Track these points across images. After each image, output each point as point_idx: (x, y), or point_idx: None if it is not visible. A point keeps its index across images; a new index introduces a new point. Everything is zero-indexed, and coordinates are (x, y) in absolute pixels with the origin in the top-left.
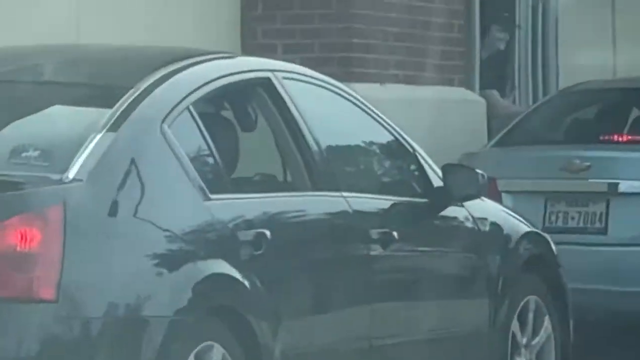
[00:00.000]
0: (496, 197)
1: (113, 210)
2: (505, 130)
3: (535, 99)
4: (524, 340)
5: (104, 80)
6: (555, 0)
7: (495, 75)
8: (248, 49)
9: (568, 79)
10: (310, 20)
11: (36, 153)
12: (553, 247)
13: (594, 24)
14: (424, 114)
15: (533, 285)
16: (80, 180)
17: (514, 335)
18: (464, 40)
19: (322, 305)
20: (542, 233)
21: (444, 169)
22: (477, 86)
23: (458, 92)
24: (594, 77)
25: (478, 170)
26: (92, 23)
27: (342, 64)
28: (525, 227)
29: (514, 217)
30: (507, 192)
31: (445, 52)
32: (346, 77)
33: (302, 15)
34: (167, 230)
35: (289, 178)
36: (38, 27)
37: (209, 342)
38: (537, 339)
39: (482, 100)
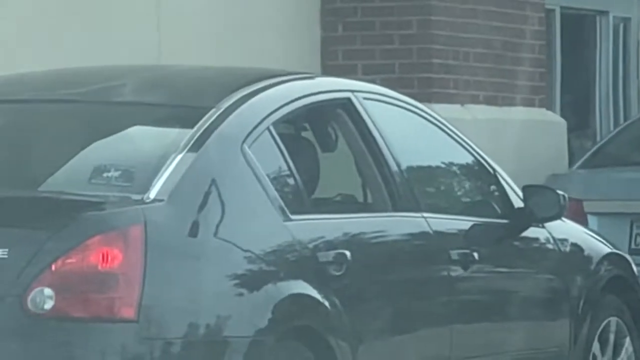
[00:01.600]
0: (582, 218)
1: (194, 231)
2: (590, 152)
3: (616, 121)
4: (605, 356)
5: (185, 100)
6: (637, 20)
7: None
8: (328, 70)
9: None
10: (390, 41)
11: (117, 173)
12: (634, 268)
13: None
14: (504, 135)
15: (614, 306)
16: (162, 200)
17: (594, 357)
18: (544, 61)
19: (403, 327)
20: (623, 254)
21: (525, 190)
22: (557, 107)
23: (539, 113)
24: None
25: (559, 192)
26: (174, 45)
27: (422, 84)
28: (606, 248)
29: (594, 238)
30: (593, 213)
31: (526, 73)
32: (426, 97)
33: (382, 36)
34: (247, 250)
35: (369, 199)
36: (122, 49)
37: None
38: (615, 354)
39: (563, 121)
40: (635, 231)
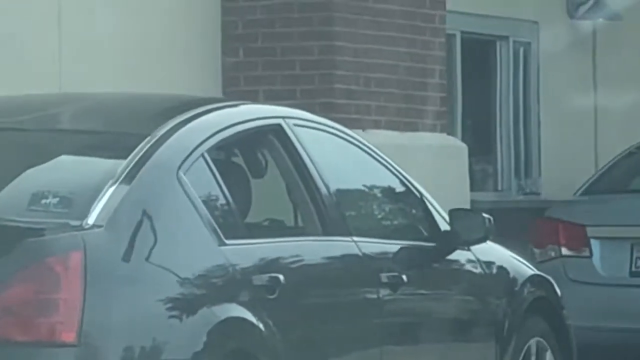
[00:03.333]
0: (585, 243)
1: (132, 256)
2: (592, 179)
3: (517, 145)
4: None
5: (121, 127)
6: (537, 47)
7: (477, 121)
8: (230, 97)
9: (548, 126)
10: (292, 66)
11: (55, 200)
12: (557, 289)
13: (574, 69)
14: (407, 160)
15: (538, 327)
16: (100, 226)
17: None
18: (446, 86)
19: (335, 349)
20: (545, 276)
21: (451, 213)
22: (459, 132)
23: (441, 138)
24: (574, 123)
25: (484, 215)
26: (75, 75)
27: (324, 110)
28: (529, 270)
29: (518, 260)
30: (596, 238)
31: (428, 98)
32: None
33: (283, 61)
34: (183, 275)
35: (300, 223)
36: (22, 80)
37: None
38: None
39: (464, 146)
40: (635, 255)
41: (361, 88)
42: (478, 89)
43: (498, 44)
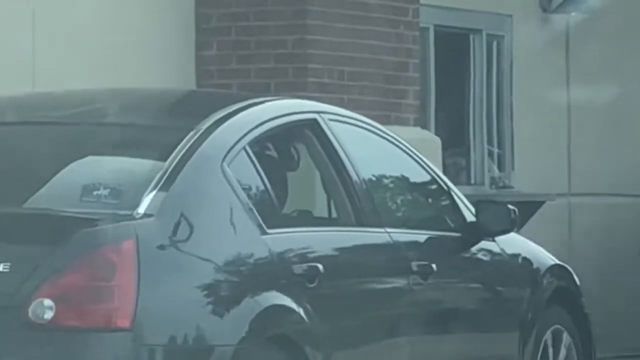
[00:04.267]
0: None
1: (180, 244)
2: None
3: (490, 138)
4: None
5: (166, 121)
6: (510, 41)
7: (450, 115)
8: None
9: (521, 120)
10: (266, 60)
11: (106, 191)
12: (576, 278)
13: (547, 63)
14: None
15: (558, 315)
16: (150, 215)
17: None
18: (419, 80)
19: (369, 334)
20: (565, 265)
21: (477, 205)
22: (432, 125)
23: (414, 132)
24: (547, 117)
25: (510, 206)
26: (48, 67)
27: None
28: (550, 260)
29: (540, 251)
30: None
31: (401, 91)
32: None
33: (257, 55)
34: (229, 262)
35: (335, 214)
36: None
37: None
38: None
39: (438, 139)
40: None
41: (335, 81)
42: (452, 83)
43: (472, 37)
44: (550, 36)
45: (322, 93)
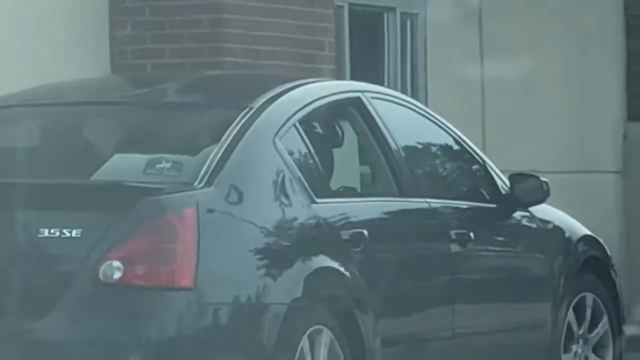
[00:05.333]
0: None
1: (235, 212)
2: None
3: None
4: (580, 332)
5: (221, 100)
6: (424, 18)
7: None
8: (117, 70)
9: (436, 97)
10: (180, 40)
11: (169, 164)
12: (606, 249)
13: (461, 40)
14: None
15: (590, 283)
16: (210, 185)
17: (569, 326)
18: (334, 58)
19: (411, 295)
20: (596, 236)
21: (511, 177)
22: None
23: None
24: (461, 94)
25: (542, 178)
26: None
27: None
28: (583, 230)
29: (572, 221)
30: None
31: (317, 70)
32: None
33: (172, 35)
34: (282, 228)
35: (378, 185)
36: None
37: (319, 326)
38: (594, 333)
39: None
40: None
41: (251, 61)
42: (367, 61)
43: (386, 15)
44: (462, 13)
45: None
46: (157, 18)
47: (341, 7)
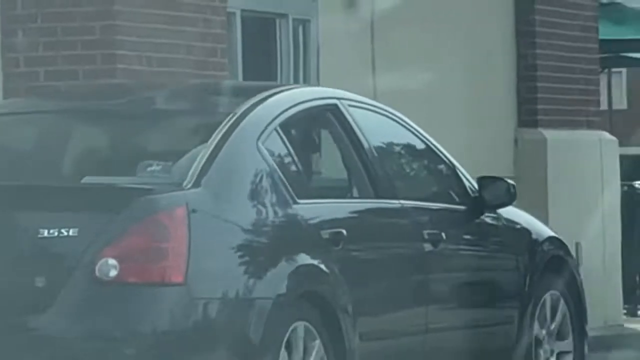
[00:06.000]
0: None
1: (223, 211)
2: None
3: None
4: (546, 325)
5: (206, 107)
6: (316, 28)
7: None
8: (10, 78)
9: None
10: (73, 47)
11: (159, 167)
12: (570, 249)
13: (354, 51)
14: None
15: (554, 281)
16: (198, 186)
17: (537, 322)
18: (227, 65)
19: (388, 292)
20: (560, 237)
21: (480, 180)
22: None
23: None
24: None
25: (509, 181)
26: None
27: None
28: (548, 232)
29: (537, 223)
30: None
31: (209, 77)
32: None
33: (64, 42)
34: (265, 227)
35: (354, 187)
36: None
37: (301, 321)
38: (554, 324)
39: None
40: None
41: (144, 68)
42: (259, 68)
43: (278, 22)
44: (355, 20)
45: (131, 80)
46: (49, 25)
47: (233, 13)
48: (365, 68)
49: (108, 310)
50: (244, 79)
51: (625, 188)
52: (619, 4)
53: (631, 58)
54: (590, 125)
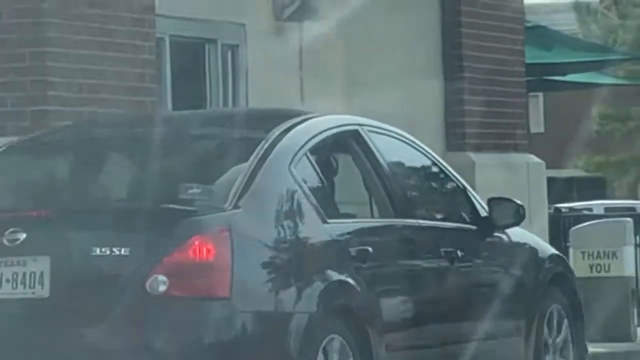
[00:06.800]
0: None
1: (262, 231)
2: None
3: None
4: (551, 338)
5: (240, 133)
6: (245, 50)
7: None
8: None
9: None
10: (4, 73)
11: (199, 190)
12: (571, 266)
13: (282, 75)
14: None
15: (556, 296)
16: (238, 208)
17: (543, 335)
18: (156, 90)
19: (410, 305)
20: (561, 255)
21: (489, 201)
22: None
23: None
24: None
25: (518, 202)
26: None
27: (36, 117)
28: (551, 250)
29: (541, 241)
30: None
31: (139, 103)
32: (40, 130)
33: None
34: (299, 245)
35: (376, 208)
36: None
37: (334, 335)
38: (560, 337)
39: None
40: None
41: (75, 95)
42: (188, 93)
43: (207, 47)
44: (283, 44)
45: (62, 107)
46: None
47: (162, 38)
48: (294, 93)
49: (158, 321)
50: (174, 104)
51: (552, 210)
52: (543, 27)
53: (551, 81)
54: (517, 149)
